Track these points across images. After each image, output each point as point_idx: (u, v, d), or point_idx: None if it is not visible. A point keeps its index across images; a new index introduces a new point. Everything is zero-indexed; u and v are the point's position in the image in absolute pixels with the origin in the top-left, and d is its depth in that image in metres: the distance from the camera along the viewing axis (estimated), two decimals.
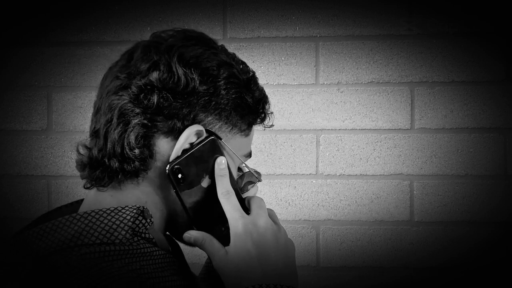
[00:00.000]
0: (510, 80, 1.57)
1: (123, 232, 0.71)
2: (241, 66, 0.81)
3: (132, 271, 0.68)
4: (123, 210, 0.72)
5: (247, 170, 0.86)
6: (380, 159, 1.60)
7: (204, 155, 0.75)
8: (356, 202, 1.61)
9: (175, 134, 0.74)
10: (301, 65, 1.62)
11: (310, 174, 1.62)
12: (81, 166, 0.77)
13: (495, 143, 1.58)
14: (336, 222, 1.62)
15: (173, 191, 0.74)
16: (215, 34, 1.63)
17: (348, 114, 1.61)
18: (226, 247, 0.74)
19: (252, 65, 1.63)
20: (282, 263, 0.75)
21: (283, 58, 1.63)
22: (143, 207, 0.74)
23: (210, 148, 0.75)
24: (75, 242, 0.68)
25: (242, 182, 0.85)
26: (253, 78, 0.81)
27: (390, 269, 1.60)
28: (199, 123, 0.75)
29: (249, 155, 0.84)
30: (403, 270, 1.60)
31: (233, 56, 0.81)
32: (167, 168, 0.72)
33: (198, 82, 0.74)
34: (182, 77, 0.74)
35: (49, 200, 1.68)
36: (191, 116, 0.74)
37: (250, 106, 0.80)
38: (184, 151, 0.74)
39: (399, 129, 1.60)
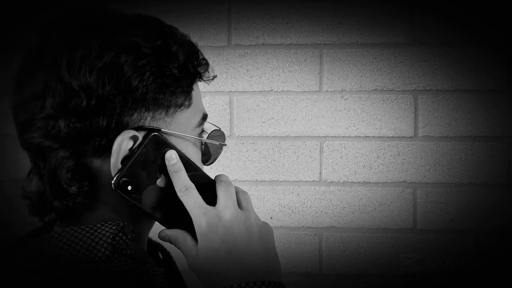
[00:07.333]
0: None
1: (102, 249, 0.66)
2: (150, 30, 0.68)
3: None
4: (102, 227, 0.68)
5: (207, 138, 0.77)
6: (384, 166, 1.60)
7: (149, 156, 0.68)
8: (359, 209, 1.61)
9: (106, 151, 0.66)
10: (305, 72, 1.62)
11: (313, 181, 1.63)
12: (33, 213, 0.72)
13: (498, 152, 1.57)
14: (339, 229, 1.62)
15: (130, 204, 0.68)
16: (220, 41, 1.64)
17: (351, 121, 1.61)
18: (198, 246, 0.69)
19: (256, 72, 1.64)
20: (259, 254, 0.70)
21: (287, 65, 1.63)
22: (124, 223, 0.69)
23: (153, 145, 0.68)
24: (53, 263, 0.65)
25: (206, 153, 0.77)
26: (168, 39, 0.69)
27: (393, 277, 1.60)
28: (126, 127, 0.66)
29: (202, 119, 0.74)
30: (406, 278, 1.59)
31: (134, 24, 0.68)
32: (112, 185, 0.66)
33: (100, 87, 0.64)
34: (80, 92, 0.63)
35: None
36: (113, 126, 0.65)
37: (176, 76, 0.69)
38: (126, 160, 0.67)
39: (403, 136, 1.60)
